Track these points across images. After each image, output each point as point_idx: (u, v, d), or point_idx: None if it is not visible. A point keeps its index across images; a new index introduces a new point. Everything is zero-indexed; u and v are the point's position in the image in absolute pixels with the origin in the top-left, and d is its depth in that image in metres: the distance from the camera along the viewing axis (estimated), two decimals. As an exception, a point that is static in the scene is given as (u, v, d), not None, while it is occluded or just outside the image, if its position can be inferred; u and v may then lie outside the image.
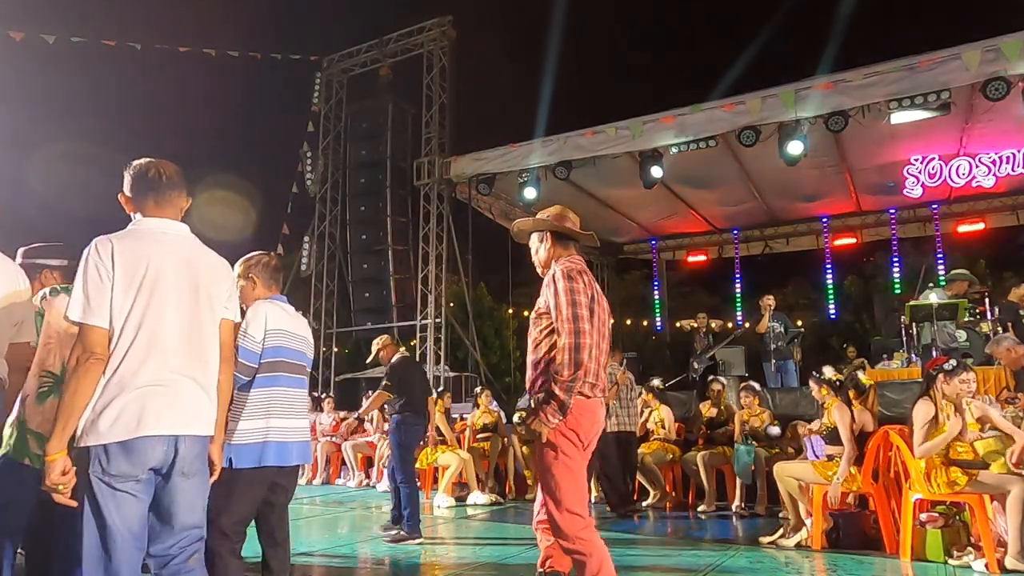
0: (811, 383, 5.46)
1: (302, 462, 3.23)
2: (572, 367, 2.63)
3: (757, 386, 7.48)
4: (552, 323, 2.77)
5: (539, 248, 3.02)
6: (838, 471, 4.85)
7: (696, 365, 9.82)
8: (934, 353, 6.78)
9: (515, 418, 3.00)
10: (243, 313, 3.02)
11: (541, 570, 2.90)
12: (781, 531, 5.21)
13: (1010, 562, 3.96)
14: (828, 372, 5.44)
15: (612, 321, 3.05)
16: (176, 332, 2.25)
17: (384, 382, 5.79)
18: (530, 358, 2.88)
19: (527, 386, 2.90)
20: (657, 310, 15.27)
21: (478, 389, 9.01)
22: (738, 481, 6.69)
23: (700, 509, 6.85)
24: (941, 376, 4.41)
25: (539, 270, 3.03)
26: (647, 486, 7.43)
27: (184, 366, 2.26)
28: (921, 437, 4.32)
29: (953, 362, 4.46)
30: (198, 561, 2.28)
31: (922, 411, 4.37)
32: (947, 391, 4.39)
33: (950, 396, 4.38)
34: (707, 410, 7.44)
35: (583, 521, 2.69)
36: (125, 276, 2.18)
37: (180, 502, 2.22)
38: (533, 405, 2.76)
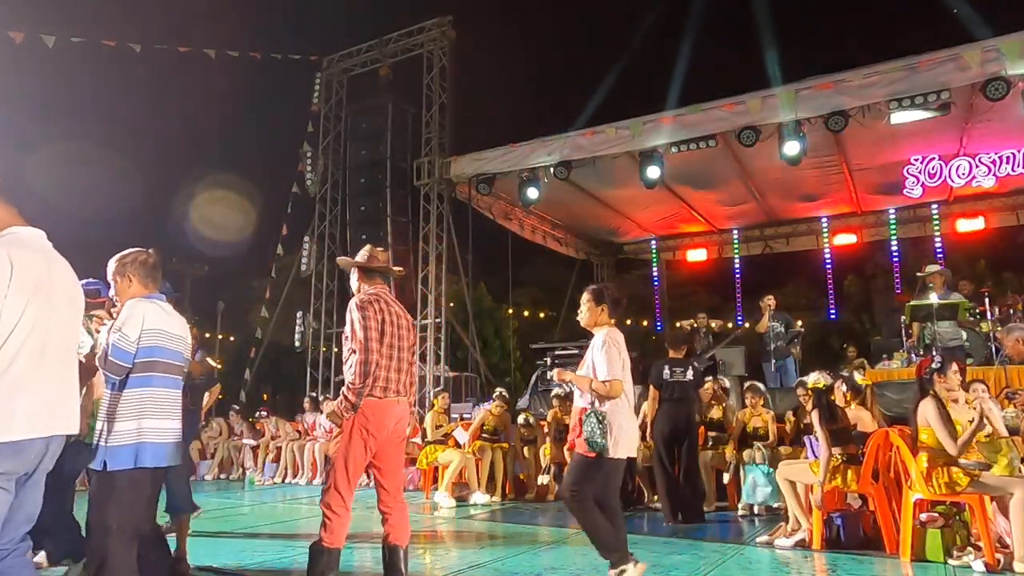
0: (798, 390, 5.45)
1: (175, 463, 3.22)
2: (361, 377, 3.39)
3: (762, 387, 7.48)
4: (351, 343, 3.50)
5: (356, 281, 3.73)
6: (818, 474, 4.87)
7: (696, 365, 9.81)
8: (934, 353, 6.78)
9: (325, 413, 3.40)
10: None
11: (384, 544, 3.56)
12: (780, 531, 5.21)
13: (1018, 566, 3.96)
14: (811, 379, 5.43)
15: (414, 336, 3.80)
16: (58, 337, 2.35)
17: None
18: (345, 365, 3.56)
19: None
20: (657, 314, 15.28)
21: (499, 391, 8.89)
22: (740, 482, 6.66)
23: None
24: (936, 376, 4.47)
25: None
26: (646, 488, 7.42)
27: (62, 369, 2.37)
28: (947, 435, 4.30)
29: (939, 358, 4.59)
30: (29, 554, 2.36)
31: (932, 411, 4.37)
32: (947, 386, 4.46)
33: (952, 387, 4.46)
34: (707, 410, 7.42)
35: (341, 498, 3.42)
36: (20, 282, 2.25)
37: (33, 498, 2.33)
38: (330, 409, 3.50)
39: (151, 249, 3.36)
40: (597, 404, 3.71)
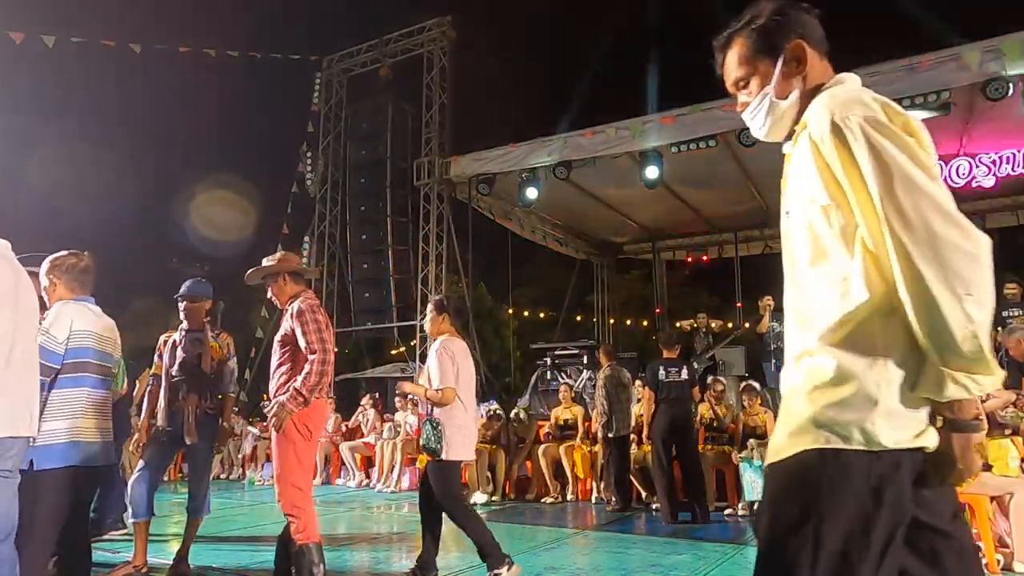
0: None
1: (106, 463, 3.24)
2: (318, 376, 3.45)
3: (758, 386, 7.48)
4: (290, 347, 3.57)
5: (283, 287, 3.74)
6: None
7: (696, 365, 9.82)
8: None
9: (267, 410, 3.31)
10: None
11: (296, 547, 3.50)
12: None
13: (1019, 566, 3.96)
14: None
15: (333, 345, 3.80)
16: (23, 344, 2.46)
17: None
18: (276, 373, 3.60)
19: (272, 395, 3.58)
20: (657, 314, 15.27)
21: (494, 409, 8.80)
22: (740, 482, 6.66)
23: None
24: None
25: (280, 303, 3.78)
26: (641, 488, 7.42)
27: (28, 374, 2.50)
28: None
29: None
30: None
31: None
32: None
33: None
34: (707, 410, 7.43)
35: (303, 493, 3.45)
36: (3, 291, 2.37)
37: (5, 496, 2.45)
38: (275, 406, 3.46)
39: (85, 252, 3.39)
40: (433, 411, 4.02)
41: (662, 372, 6.38)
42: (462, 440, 3.96)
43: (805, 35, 1.42)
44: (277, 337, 3.70)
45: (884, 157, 1.18)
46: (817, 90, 1.40)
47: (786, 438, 1.27)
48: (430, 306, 4.30)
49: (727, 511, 6.65)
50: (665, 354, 6.59)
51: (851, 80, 1.39)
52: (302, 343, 3.51)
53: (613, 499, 7.08)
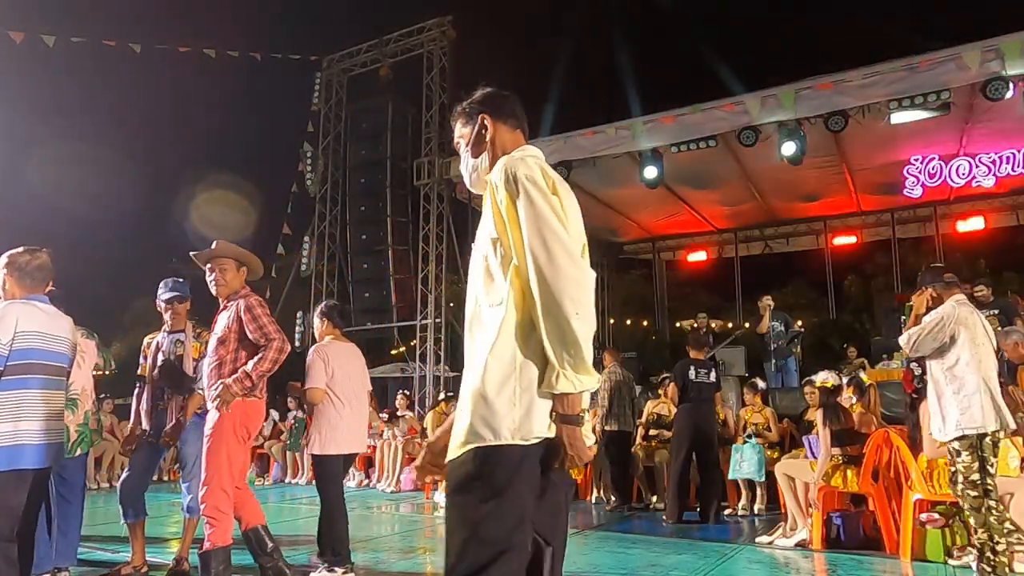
0: (805, 387, 5.48)
1: (55, 464, 3.21)
2: (271, 364, 3.49)
3: (761, 384, 7.49)
4: (235, 344, 3.58)
5: (233, 277, 3.73)
6: (816, 473, 4.91)
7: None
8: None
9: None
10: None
11: (245, 532, 3.61)
12: (780, 530, 5.21)
13: (1019, 567, 3.96)
14: (820, 377, 5.43)
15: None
16: None
17: None
18: (215, 372, 3.57)
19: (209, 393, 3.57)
20: (657, 314, 15.26)
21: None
22: (740, 481, 6.66)
23: (699, 509, 6.84)
24: None
25: (221, 294, 3.72)
26: (643, 487, 7.42)
27: None
28: (930, 436, 4.30)
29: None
30: None
31: (925, 412, 4.37)
32: None
33: None
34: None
35: (227, 497, 3.46)
36: None
37: None
38: (220, 386, 3.47)
39: (43, 249, 3.32)
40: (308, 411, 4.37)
41: (692, 372, 6.41)
42: (334, 436, 4.26)
43: (494, 114, 1.84)
44: (216, 335, 3.67)
45: (535, 207, 1.57)
46: (504, 154, 1.77)
47: (455, 441, 1.57)
48: (315, 312, 4.69)
49: (727, 511, 6.65)
50: (693, 354, 6.61)
51: (531, 149, 1.80)
52: (257, 333, 3.55)
53: (612, 497, 7.09)
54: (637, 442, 7.44)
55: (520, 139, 1.87)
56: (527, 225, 1.56)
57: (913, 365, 4.94)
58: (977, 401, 3.56)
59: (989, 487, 3.53)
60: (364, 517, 7.25)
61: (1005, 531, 3.49)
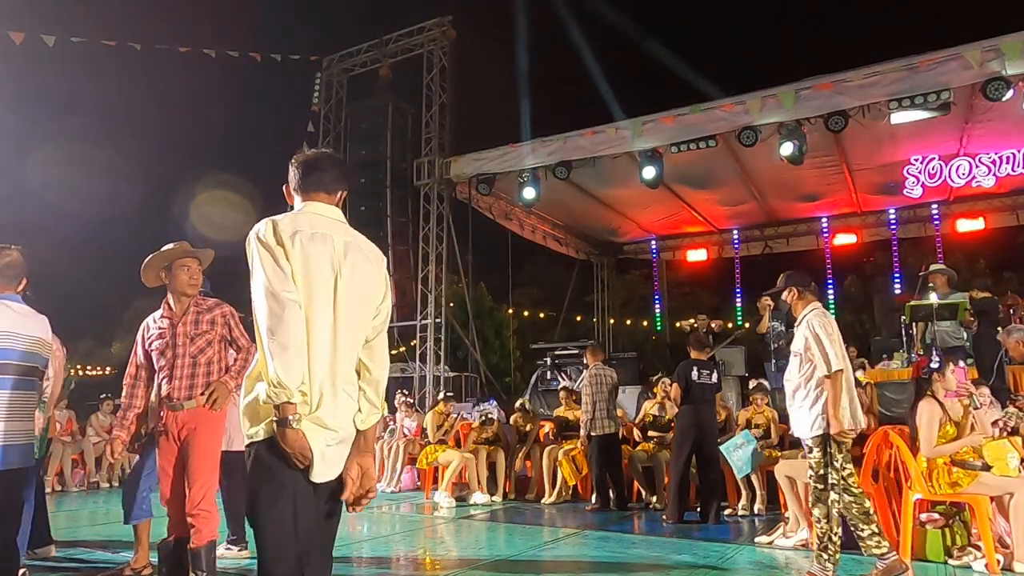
0: None
1: (24, 465, 3.17)
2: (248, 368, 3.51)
3: (768, 385, 7.50)
4: (219, 346, 3.66)
5: (200, 278, 3.80)
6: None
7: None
8: (934, 353, 6.78)
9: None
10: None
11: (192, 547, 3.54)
12: (780, 530, 5.21)
13: (1019, 566, 3.96)
14: None
15: None
16: None
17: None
18: (203, 371, 3.59)
19: (181, 394, 3.53)
20: (657, 314, 15.27)
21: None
22: (739, 481, 6.66)
23: (699, 509, 6.84)
24: (935, 375, 4.49)
25: (190, 292, 3.70)
26: (642, 487, 7.41)
27: None
28: (931, 436, 4.31)
29: (937, 359, 4.65)
30: None
31: (926, 411, 4.38)
32: (945, 387, 4.50)
33: (949, 388, 4.53)
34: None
35: (212, 495, 3.55)
36: None
37: None
38: (216, 386, 3.55)
39: (13, 247, 3.29)
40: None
41: (695, 373, 6.40)
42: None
43: (290, 181, 2.27)
44: (202, 335, 3.62)
45: (257, 259, 1.97)
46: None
47: (242, 440, 2.05)
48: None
49: (727, 511, 6.65)
50: (694, 355, 6.60)
51: (299, 208, 2.19)
52: (243, 339, 3.70)
53: (593, 498, 7.12)
54: (639, 443, 7.45)
55: (307, 200, 2.24)
56: (253, 275, 1.99)
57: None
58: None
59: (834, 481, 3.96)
60: (364, 517, 7.25)
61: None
